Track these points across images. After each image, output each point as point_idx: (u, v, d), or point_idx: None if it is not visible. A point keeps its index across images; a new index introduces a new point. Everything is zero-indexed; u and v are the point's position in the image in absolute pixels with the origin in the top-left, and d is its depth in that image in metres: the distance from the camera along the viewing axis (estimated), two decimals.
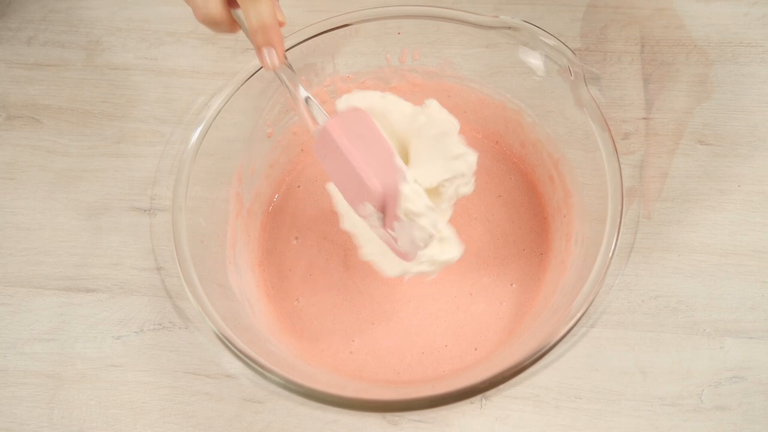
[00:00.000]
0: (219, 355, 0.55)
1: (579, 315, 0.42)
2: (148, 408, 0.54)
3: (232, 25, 0.46)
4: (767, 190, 0.59)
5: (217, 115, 0.52)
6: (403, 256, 0.47)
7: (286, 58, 0.47)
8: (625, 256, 0.57)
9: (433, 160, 0.47)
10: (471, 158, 0.47)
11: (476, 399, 0.53)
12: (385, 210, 0.45)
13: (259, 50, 0.45)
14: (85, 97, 0.69)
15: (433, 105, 0.48)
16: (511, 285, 0.53)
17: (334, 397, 0.42)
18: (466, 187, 0.48)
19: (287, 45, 0.54)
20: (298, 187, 0.60)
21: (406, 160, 0.48)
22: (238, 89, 0.52)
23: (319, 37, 0.54)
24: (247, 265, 0.55)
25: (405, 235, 0.45)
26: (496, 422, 0.52)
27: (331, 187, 0.51)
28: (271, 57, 0.45)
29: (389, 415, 0.53)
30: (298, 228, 0.58)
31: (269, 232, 0.58)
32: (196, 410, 0.54)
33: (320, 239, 0.57)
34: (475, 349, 0.52)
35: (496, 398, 0.53)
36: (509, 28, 0.52)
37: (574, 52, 0.51)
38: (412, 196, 0.44)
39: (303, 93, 0.47)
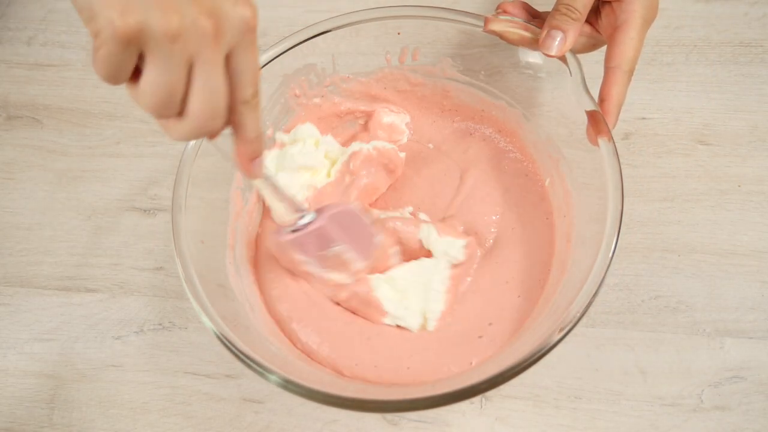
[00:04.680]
0: (219, 355, 0.55)
1: (579, 315, 0.42)
2: (148, 408, 0.54)
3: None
4: (767, 190, 0.59)
5: None
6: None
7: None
8: (625, 256, 0.57)
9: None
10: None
11: (476, 399, 0.53)
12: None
13: (251, 161, 0.41)
14: (85, 97, 0.69)
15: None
16: (518, 286, 0.53)
17: (334, 397, 0.42)
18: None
19: (288, 45, 0.54)
20: None
21: None
22: None
23: (319, 37, 0.54)
24: (247, 265, 0.55)
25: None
26: (496, 422, 0.52)
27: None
28: (260, 166, 0.42)
29: (389, 415, 0.53)
30: None
31: (267, 230, 0.58)
32: (196, 410, 0.54)
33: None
34: (477, 353, 0.51)
35: (496, 398, 0.53)
36: None
37: (574, 53, 0.50)
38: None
39: (286, 193, 0.48)
